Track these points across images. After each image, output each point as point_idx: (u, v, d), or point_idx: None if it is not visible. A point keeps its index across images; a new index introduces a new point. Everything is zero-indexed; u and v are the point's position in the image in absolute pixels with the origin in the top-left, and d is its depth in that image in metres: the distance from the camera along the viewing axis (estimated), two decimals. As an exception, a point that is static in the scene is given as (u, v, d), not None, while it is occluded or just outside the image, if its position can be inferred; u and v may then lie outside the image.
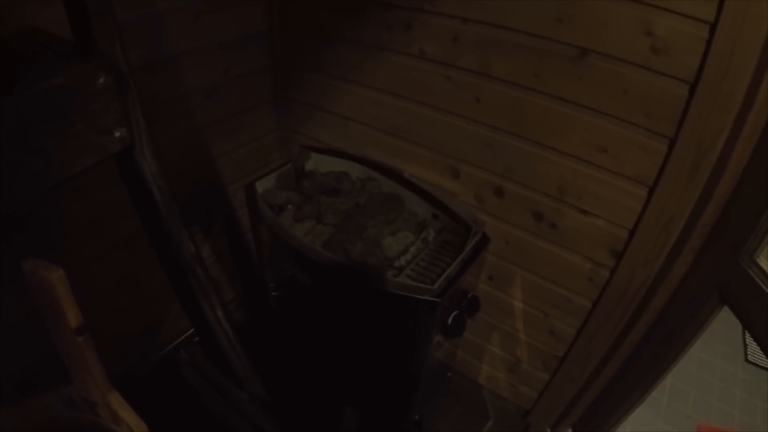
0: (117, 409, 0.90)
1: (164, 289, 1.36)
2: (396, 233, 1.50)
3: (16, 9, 1.04)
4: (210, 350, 1.33)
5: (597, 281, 1.43)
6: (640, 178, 1.23)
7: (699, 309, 1.22)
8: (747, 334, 2.52)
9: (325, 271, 1.41)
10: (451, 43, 1.37)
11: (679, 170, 1.14)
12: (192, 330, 1.93)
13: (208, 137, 1.71)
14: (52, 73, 0.75)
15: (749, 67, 0.97)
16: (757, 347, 1.97)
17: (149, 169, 0.96)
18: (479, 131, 1.44)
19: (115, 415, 0.90)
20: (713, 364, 2.42)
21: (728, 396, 2.28)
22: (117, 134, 0.86)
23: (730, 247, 1.13)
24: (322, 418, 1.84)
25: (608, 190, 1.29)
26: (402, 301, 1.29)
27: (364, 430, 1.80)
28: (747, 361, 2.46)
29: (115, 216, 1.45)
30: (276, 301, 1.83)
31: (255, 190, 1.59)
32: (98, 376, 0.85)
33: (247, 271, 2.17)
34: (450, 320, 1.40)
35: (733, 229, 1.12)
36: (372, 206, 1.55)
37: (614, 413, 1.55)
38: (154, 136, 0.95)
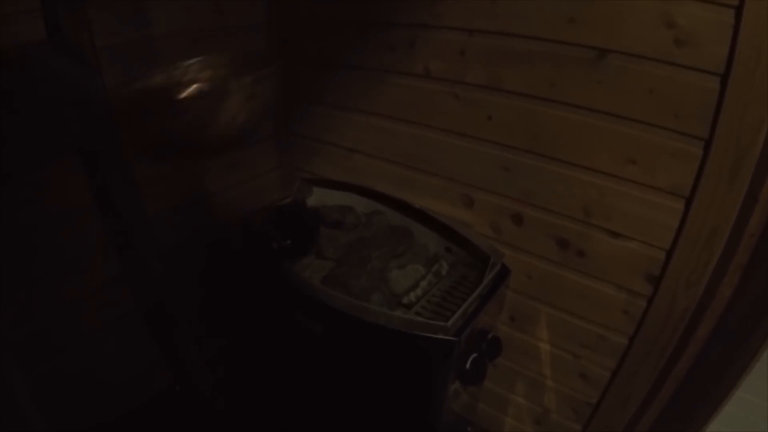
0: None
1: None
2: (404, 266, 1.38)
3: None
4: (192, 401, 1.22)
5: (633, 313, 1.29)
6: (675, 188, 1.11)
7: (751, 334, 1.07)
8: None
9: (323, 309, 1.29)
10: (457, 57, 1.31)
11: (717, 175, 1.03)
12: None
13: (206, 173, 1.66)
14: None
15: (784, 49, 0.89)
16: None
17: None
18: (492, 152, 1.36)
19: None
20: (758, 405, 2.21)
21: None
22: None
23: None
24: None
25: (640, 206, 1.18)
26: (412, 340, 1.16)
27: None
28: (796, 399, 2.26)
29: (101, 254, 1.37)
30: (273, 342, 1.70)
31: (253, 226, 1.51)
32: None
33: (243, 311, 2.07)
34: (468, 364, 1.26)
35: (785, 238, 0.99)
36: (377, 238, 1.45)
37: (658, 466, 1.37)
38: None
